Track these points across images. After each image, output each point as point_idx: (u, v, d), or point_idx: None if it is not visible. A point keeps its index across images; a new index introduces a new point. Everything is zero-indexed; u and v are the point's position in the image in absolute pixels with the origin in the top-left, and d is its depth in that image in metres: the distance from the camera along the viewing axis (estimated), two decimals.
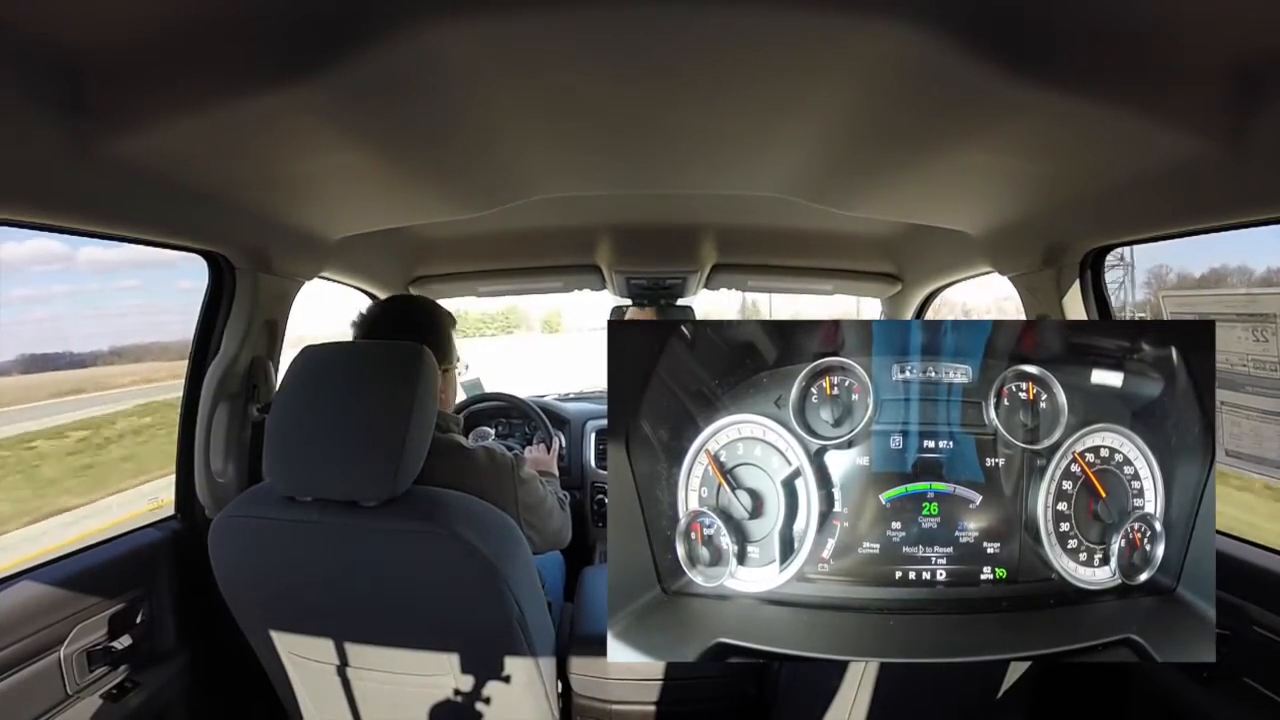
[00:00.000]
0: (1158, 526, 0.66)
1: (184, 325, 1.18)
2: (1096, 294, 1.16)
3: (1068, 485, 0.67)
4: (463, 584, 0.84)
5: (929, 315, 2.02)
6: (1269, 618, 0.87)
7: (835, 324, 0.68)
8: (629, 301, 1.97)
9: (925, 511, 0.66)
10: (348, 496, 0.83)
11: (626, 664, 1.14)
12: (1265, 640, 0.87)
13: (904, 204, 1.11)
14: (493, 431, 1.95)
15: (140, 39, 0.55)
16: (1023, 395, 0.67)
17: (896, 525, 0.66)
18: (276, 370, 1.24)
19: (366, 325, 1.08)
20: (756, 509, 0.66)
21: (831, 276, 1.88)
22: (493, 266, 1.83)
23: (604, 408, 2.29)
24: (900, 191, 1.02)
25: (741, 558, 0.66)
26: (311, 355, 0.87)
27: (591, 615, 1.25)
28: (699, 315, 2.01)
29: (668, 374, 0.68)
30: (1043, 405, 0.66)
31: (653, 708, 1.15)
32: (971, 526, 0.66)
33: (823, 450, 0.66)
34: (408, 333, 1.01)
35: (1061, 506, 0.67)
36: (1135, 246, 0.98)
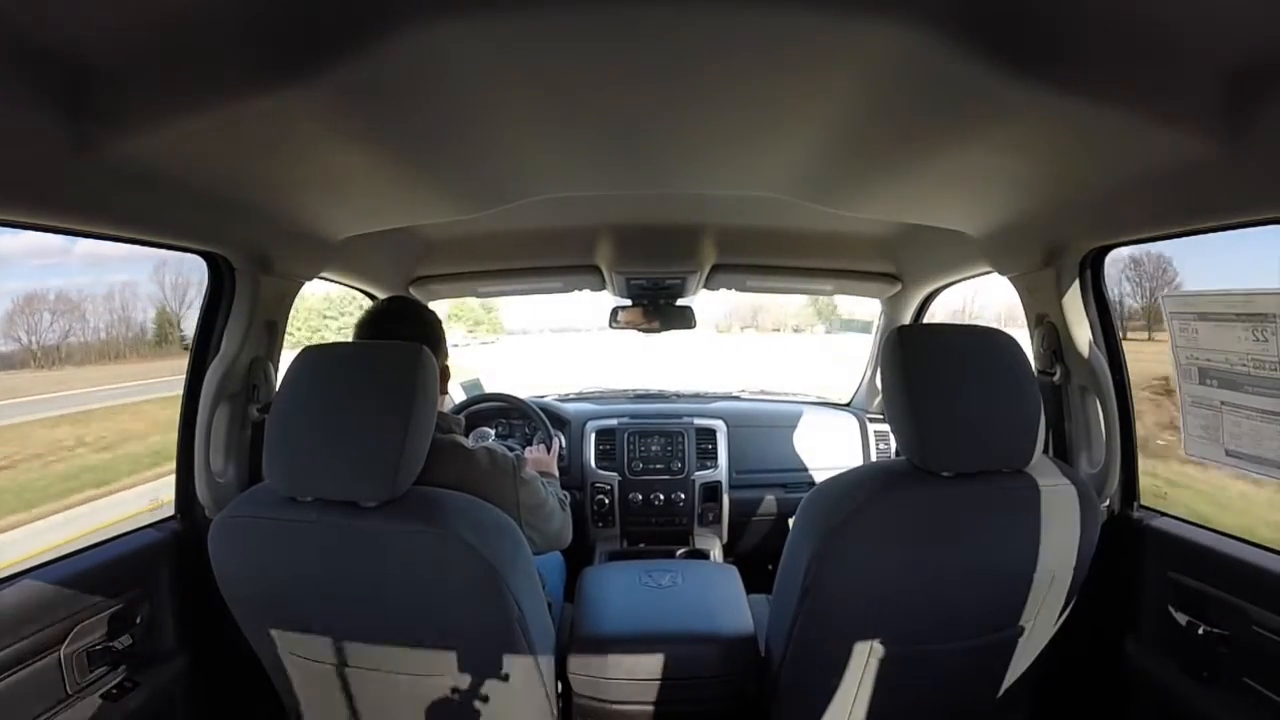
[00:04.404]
0: None
1: None
2: (1096, 294, 1.16)
3: None
4: (463, 584, 0.84)
5: (928, 316, 2.02)
6: (1269, 618, 0.87)
7: None
8: (629, 302, 1.97)
9: None
10: (348, 497, 0.83)
11: (626, 663, 1.14)
12: (1265, 640, 0.87)
13: (904, 204, 1.11)
14: (493, 432, 1.95)
15: (140, 39, 0.55)
16: None
17: None
18: (276, 370, 1.24)
19: (367, 326, 1.08)
20: None
21: (831, 276, 1.88)
22: (493, 267, 1.83)
23: (604, 408, 2.30)
24: (900, 192, 1.02)
25: None
26: (312, 355, 0.87)
27: (592, 616, 1.25)
28: (699, 315, 2.01)
29: None
30: None
31: (652, 708, 1.15)
32: None
33: None
34: (408, 332, 1.01)
35: None
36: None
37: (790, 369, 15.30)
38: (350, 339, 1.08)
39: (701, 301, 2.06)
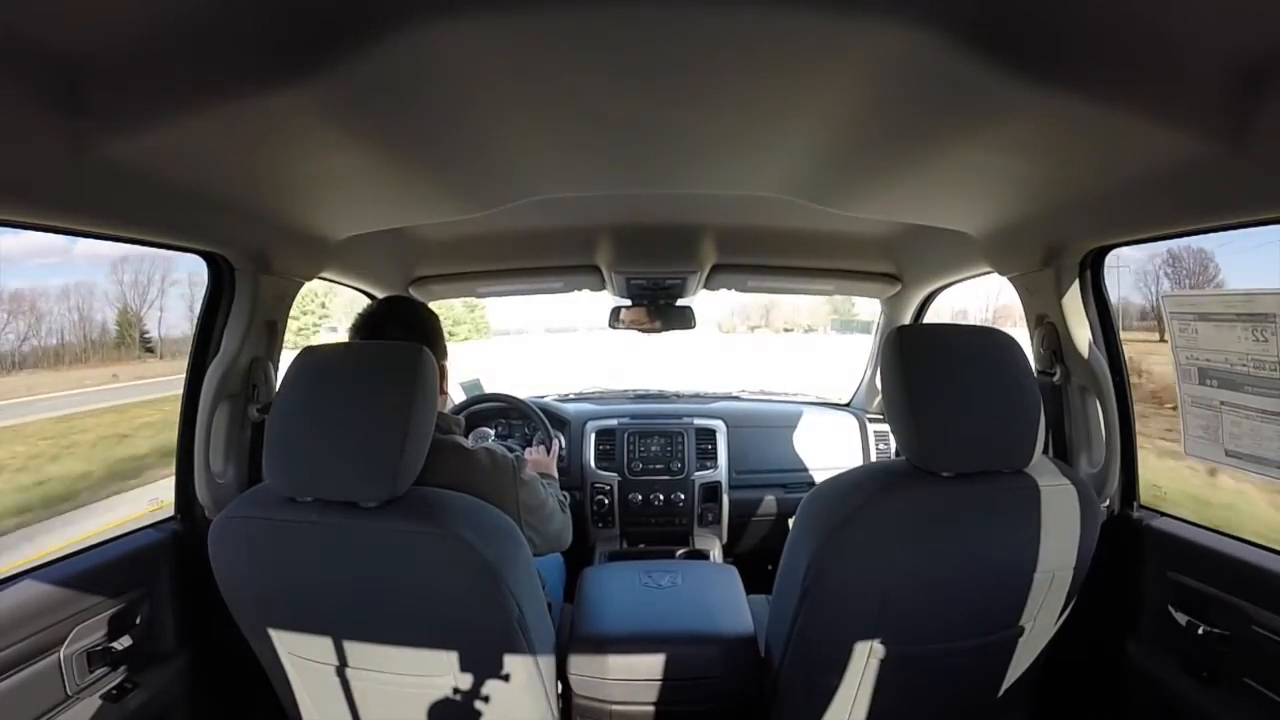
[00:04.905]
0: None
1: None
2: (1096, 294, 1.16)
3: None
4: (463, 585, 0.84)
5: (929, 316, 2.02)
6: (1269, 618, 0.87)
7: None
8: (629, 302, 1.97)
9: None
10: (347, 497, 0.83)
11: (626, 663, 1.14)
12: (1265, 640, 0.87)
13: (904, 204, 1.11)
14: (493, 432, 1.95)
15: (140, 39, 0.55)
16: None
17: None
18: (276, 370, 1.24)
19: (366, 326, 1.08)
20: None
21: (831, 276, 1.88)
22: (492, 267, 1.83)
23: (604, 408, 2.30)
24: (900, 192, 1.02)
25: None
26: (311, 356, 0.87)
27: (592, 616, 1.25)
28: (700, 313, 2.01)
29: None
30: None
31: (652, 708, 1.15)
32: None
33: None
34: (407, 333, 1.01)
35: None
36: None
37: (797, 375, 11.69)
38: (312, 339, 1.08)
39: (704, 299, 2.06)
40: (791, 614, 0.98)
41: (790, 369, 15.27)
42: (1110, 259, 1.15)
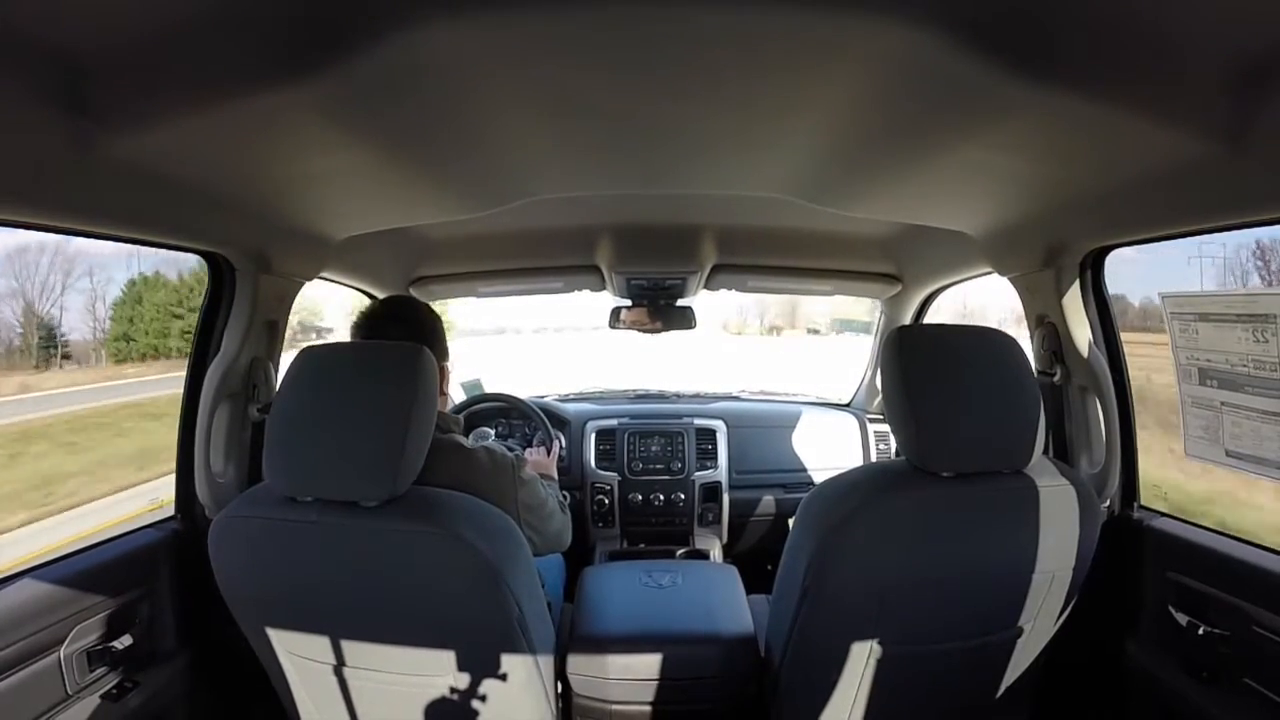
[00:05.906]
0: None
1: None
2: (1096, 294, 1.16)
3: None
4: (463, 584, 0.84)
5: (929, 316, 2.02)
6: (1269, 618, 0.87)
7: None
8: (629, 302, 1.97)
9: None
10: (348, 497, 0.83)
11: (626, 663, 1.14)
12: (1265, 640, 0.87)
13: (904, 204, 1.11)
14: (493, 432, 1.95)
15: (140, 39, 0.55)
16: None
17: None
18: (276, 370, 1.24)
19: (366, 326, 1.08)
20: None
21: (831, 277, 1.88)
22: (493, 267, 1.83)
23: (604, 408, 2.30)
24: (900, 192, 1.02)
25: None
26: (311, 355, 0.87)
27: (592, 615, 1.25)
28: (703, 312, 2.01)
29: None
30: None
31: (652, 708, 1.15)
32: None
33: None
34: (408, 333, 1.01)
35: None
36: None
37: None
38: None
39: (708, 295, 2.05)
40: (791, 614, 0.98)
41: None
42: (1199, 251, 1.14)
